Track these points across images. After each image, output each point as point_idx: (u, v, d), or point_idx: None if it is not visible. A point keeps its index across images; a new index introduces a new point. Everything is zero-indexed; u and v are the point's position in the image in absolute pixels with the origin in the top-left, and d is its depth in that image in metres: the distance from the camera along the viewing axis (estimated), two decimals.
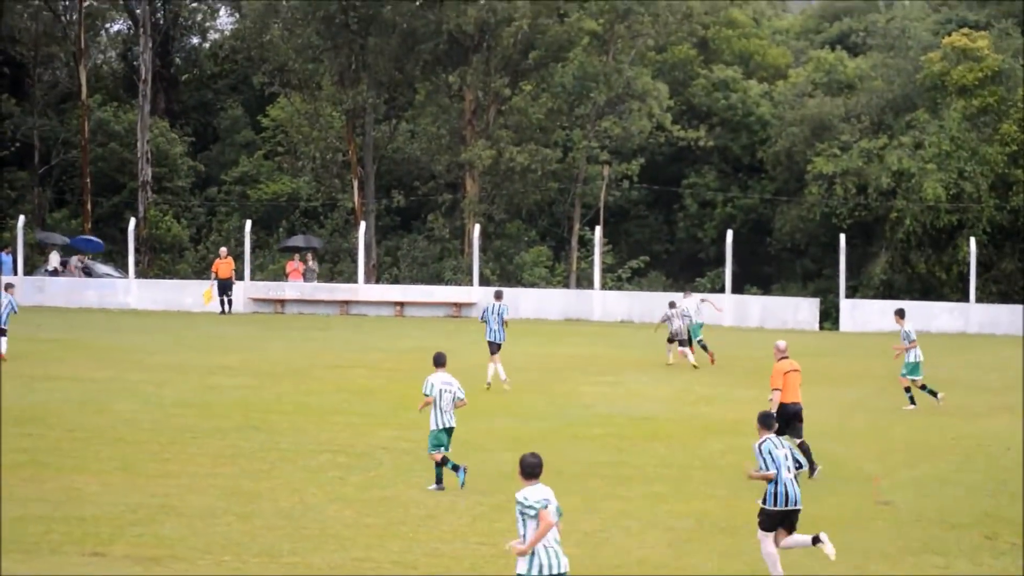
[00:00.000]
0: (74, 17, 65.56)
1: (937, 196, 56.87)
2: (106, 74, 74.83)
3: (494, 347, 31.78)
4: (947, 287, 57.43)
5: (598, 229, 55.40)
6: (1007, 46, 60.58)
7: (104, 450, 22.77)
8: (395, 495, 20.04)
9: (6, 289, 35.36)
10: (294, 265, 55.26)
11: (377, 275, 60.31)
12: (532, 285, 58.43)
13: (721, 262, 55.78)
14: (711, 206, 65.69)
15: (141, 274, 57.97)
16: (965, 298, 52.98)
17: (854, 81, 65.00)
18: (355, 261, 55.95)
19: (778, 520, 15.64)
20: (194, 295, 51.57)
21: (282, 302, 52.26)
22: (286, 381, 31.67)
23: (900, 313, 30.57)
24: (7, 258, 53.47)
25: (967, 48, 58.74)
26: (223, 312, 49.92)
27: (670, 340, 37.00)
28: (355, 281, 54.82)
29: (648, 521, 18.81)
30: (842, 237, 52.79)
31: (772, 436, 15.76)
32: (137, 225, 57.28)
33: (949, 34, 61.28)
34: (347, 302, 52.26)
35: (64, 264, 56.83)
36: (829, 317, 54.00)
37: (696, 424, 27.16)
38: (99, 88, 70.69)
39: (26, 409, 26.21)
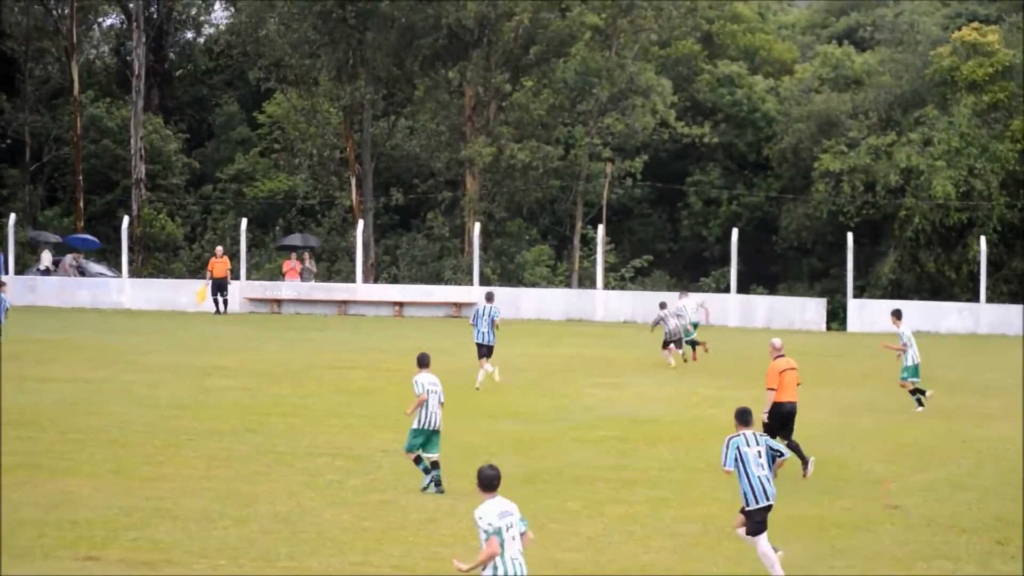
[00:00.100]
0: (66, 11, 65.26)
1: (946, 194, 56.53)
2: (99, 69, 74.59)
3: (483, 349, 31.57)
4: (957, 287, 57.22)
5: (600, 228, 55.24)
6: (1018, 41, 60.38)
7: (98, 452, 22.70)
8: (394, 499, 19.93)
9: None
10: (291, 264, 55.02)
11: (376, 274, 60.04)
12: (533, 285, 58.21)
13: (726, 261, 55.49)
14: (716, 204, 65.40)
15: (135, 273, 58.03)
16: (975, 298, 52.97)
17: (862, 77, 64.93)
18: (353, 260, 55.77)
19: (761, 518, 15.52)
20: (189, 295, 51.44)
21: (279, 302, 52.06)
22: (283, 382, 31.60)
23: (897, 314, 30.54)
24: None
25: (977, 43, 58.54)
26: (217, 312, 49.60)
27: (666, 344, 36.73)
28: (353, 280, 54.65)
29: (653, 526, 18.68)
30: (849, 236, 52.73)
31: (747, 432, 15.66)
32: (131, 223, 57.24)
33: (959, 28, 61.27)
34: (345, 302, 52.05)
35: (56, 263, 56.47)
36: (836, 317, 53.88)
37: (701, 426, 26.99)
38: (92, 84, 70.42)
39: (18, 411, 26.03)
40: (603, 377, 34.18)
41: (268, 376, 32.44)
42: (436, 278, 58.47)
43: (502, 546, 12.15)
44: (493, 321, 31.58)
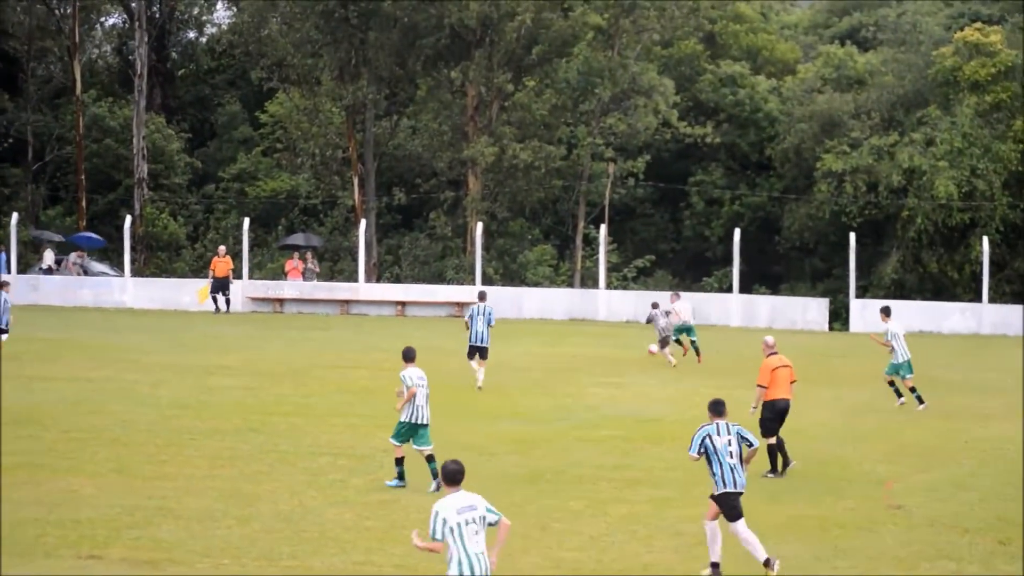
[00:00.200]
0: (68, 11, 65.21)
1: (949, 194, 56.48)
2: (101, 69, 74.51)
3: (478, 351, 31.39)
4: (959, 287, 57.17)
5: (603, 227, 55.15)
6: (1020, 41, 60.17)
7: (100, 452, 22.60)
8: (396, 498, 19.88)
9: (2, 287, 35.22)
10: (293, 264, 54.84)
11: (378, 274, 59.95)
12: (536, 284, 58.14)
13: (728, 261, 55.40)
14: (718, 204, 65.35)
15: (137, 272, 57.91)
16: (978, 298, 52.79)
17: (864, 77, 64.91)
18: (355, 260, 55.63)
19: (730, 504, 15.86)
20: (191, 294, 51.43)
21: (281, 301, 51.91)
22: (285, 382, 31.49)
23: (886, 311, 30.66)
24: (1, 256, 52.77)
25: (980, 43, 58.49)
26: (216, 311, 49.39)
27: (665, 343, 36.89)
28: (355, 280, 54.50)
29: (655, 525, 18.64)
30: (852, 236, 52.53)
31: (719, 422, 16.07)
32: (133, 223, 57.22)
33: (961, 28, 61.20)
34: (347, 301, 51.89)
35: (59, 262, 56.36)
36: (839, 317, 53.82)
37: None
38: (94, 83, 70.40)
39: (21, 410, 25.91)
40: (606, 377, 34.09)
41: (270, 375, 32.33)
42: (438, 278, 58.36)
43: (461, 542, 12.15)
44: (490, 321, 31.51)
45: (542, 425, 26.54)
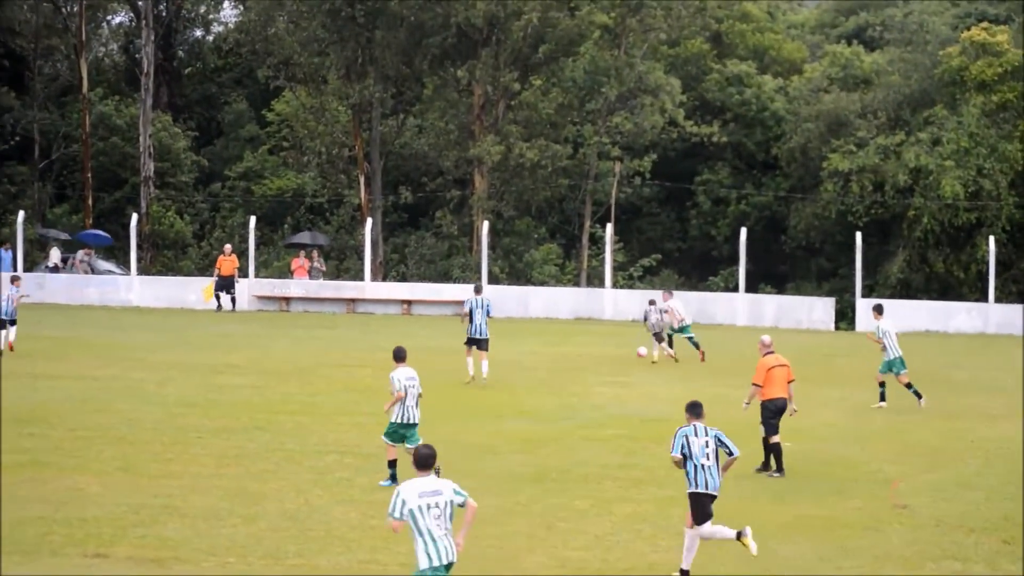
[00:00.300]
0: (75, 9, 65.18)
1: (955, 194, 56.43)
2: (107, 67, 74.52)
3: (478, 343, 31.40)
4: (965, 287, 57.11)
5: (609, 226, 55.04)
6: None
7: (106, 450, 22.58)
8: None
9: (12, 282, 36.26)
10: (299, 262, 54.83)
11: (384, 273, 59.87)
12: (542, 283, 58.09)
13: (734, 260, 55.37)
14: (724, 203, 65.32)
15: (143, 271, 57.88)
16: (984, 298, 52.84)
17: (871, 76, 64.86)
18: (361, 258, 55.63)
19: (701, 505, 15.92)
20: (198, 292, 51.41)
21: (287, 300, 51.87)
22: (292, 380, 31.45)
23: (878, 309, 30.77)
24: (7, 254, 52.98)
25: (986, 43, 58.46)
26: (219, 309, 49.36)
27: (659, 339, 37.15)
28: (361, 279, 54.42)
29: (661, 524, 18.56)
30: (858, 235, 52.52)
31: (697, 423, 16.21)
32: (139, 221, 57.17)
33: (968, 28, 61.13)
34: (353, 300, 51.87)
35: (65, 260, 56.37)
36: (845, 317, 53.73)
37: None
38: (100, 81, 70.35)
39: (27, 408, 25.98)
40: (612, 376, 34.05)
41: (277, 374, 32.29)
42: (444, 276, 58.26)
43: (425, 525, 12.28)
44: (488, 314, 31.58)
45: (548, 424, 26.51)
